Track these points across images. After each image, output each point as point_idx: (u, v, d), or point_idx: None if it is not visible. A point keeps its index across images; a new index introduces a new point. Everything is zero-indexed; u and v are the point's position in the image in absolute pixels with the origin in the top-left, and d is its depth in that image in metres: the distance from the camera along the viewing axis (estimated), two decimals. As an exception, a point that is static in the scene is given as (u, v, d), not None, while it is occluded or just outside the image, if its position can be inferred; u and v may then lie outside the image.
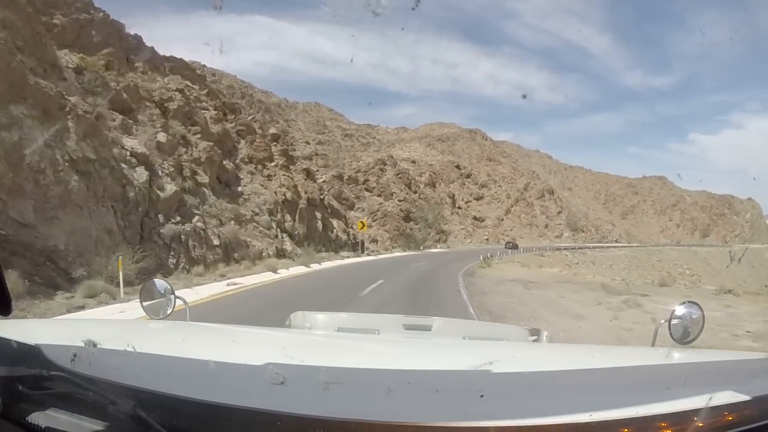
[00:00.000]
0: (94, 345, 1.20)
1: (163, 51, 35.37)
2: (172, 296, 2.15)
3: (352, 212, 65.60)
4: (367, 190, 69.68)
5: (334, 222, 35.82)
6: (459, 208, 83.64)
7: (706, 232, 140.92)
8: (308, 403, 0.96)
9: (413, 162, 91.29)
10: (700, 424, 0.91)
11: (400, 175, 76.43)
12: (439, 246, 61.92)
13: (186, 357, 1.33)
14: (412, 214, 66.66)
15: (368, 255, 35.23)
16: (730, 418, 0.95)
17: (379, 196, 68.91)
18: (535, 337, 2.37)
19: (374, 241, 59.22)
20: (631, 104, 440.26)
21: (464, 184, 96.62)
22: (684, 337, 1.89)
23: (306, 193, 30.15)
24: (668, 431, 0.93)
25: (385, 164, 78.57)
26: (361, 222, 39.21)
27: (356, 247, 36.12)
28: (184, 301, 2.21)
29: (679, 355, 1.59)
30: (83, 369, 1.08)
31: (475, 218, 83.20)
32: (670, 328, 1.92)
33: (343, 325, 2.45)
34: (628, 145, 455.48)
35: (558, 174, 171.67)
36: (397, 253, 43.33)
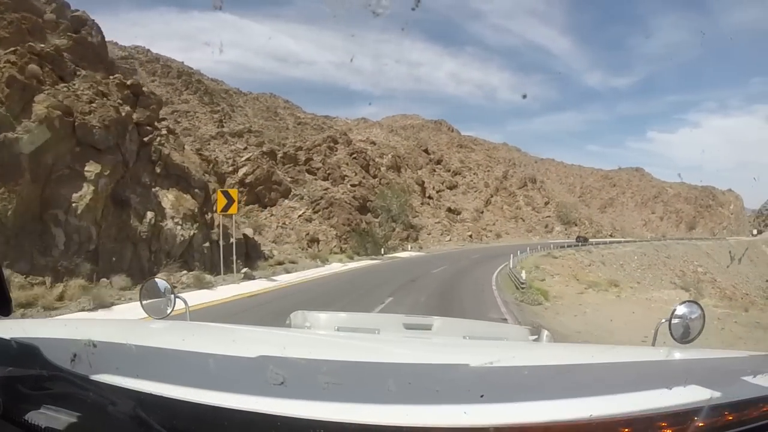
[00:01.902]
0: (94, 345, 1.17)
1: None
2: (172, 296, 2.13)
3: (286, 201, 48.19)
4: (309, 172, 52.15)
5: (167, 197, 15.55)
6: (430, 198, 66.91)
7: (692, 224, 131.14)
8: (308, 403, 0.95)
9: (373, 143, 74.18)
10: (700, 424, 0.90)
11: (355, 156, 59.19)
12: (409, 247, 44.58)
13: (186, 357, 1.32)
14: (369, 204, 49.46)
15: (261, 279, 16.18)
16: (730, 418, 0.95)
17: (326, 179, 51.50)
18: (536, 337, 2.34)
19: (314, 240, 41.74)
20: (592, 104, 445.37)
21: (434, 170, 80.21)
22: (684, 336, 1.88)
23: (75, 114, 12.13)
24: (668, 431, 0.92)
25: (336, 142, 61.15)
26: (223, 193, 16.14)
27: (240, 256, 16.81)
28: (185, 301, 2.16)
29: (679, 355, 1.57)
30: (83, 369, 1.08)
31: (450, 210, 66.69)
32: (670, 328, 1.90)
33: (343, 324, 2.43)
34: (588, 143, 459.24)
35: (528, 167, 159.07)
36: (336, 266, 24.17)
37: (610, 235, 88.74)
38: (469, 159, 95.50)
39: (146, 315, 2.13)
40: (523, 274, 15.23)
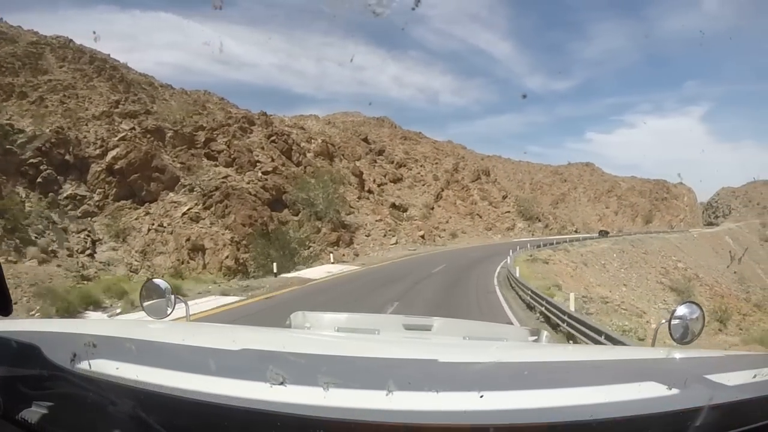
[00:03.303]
0: (94, 345, 1.18)
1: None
2: (172, 296, 2.12)
3: (171, 194, 34.84)
4: (209, 156, 38.91)
5: None
6: (370, 192, 54.70)
7: (649, 217, 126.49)
8: (308, 403, 0.95)
9: (301, 128, 61.35)
10: (700, 424, 0.91)
11: (274, 139, 46.26)
12: (331, 257, 31.23)
13: (186, 357, 1.34)
14: (286, 196, 36.75)
15: None
16: (730, 418, 0.95)
17: (229, 165, 38.35)
18: (535, 337, 2.32)
19: (197, 249, 28.78)
20: (532, 106, 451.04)
21: (375, 161, 68.14)
22: (684, 337, 1.87)
23: None
24: (668, 431, 0.93)
25: (252, 123, 48.02)
26: None
27: None
28: (185, 302, 2.19)
29: (679, 355, 1.57)
30: (83, 369, 1.08)
31: (394, 206, 54.74)
32: (670, 328, 1.89)
33: (343, 325, 2.40)
34: (529, 144, 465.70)
35: (475, 164, 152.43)
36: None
37: (575, 231, 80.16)
38: (415, 151, 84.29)
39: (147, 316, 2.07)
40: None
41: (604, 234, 67.62)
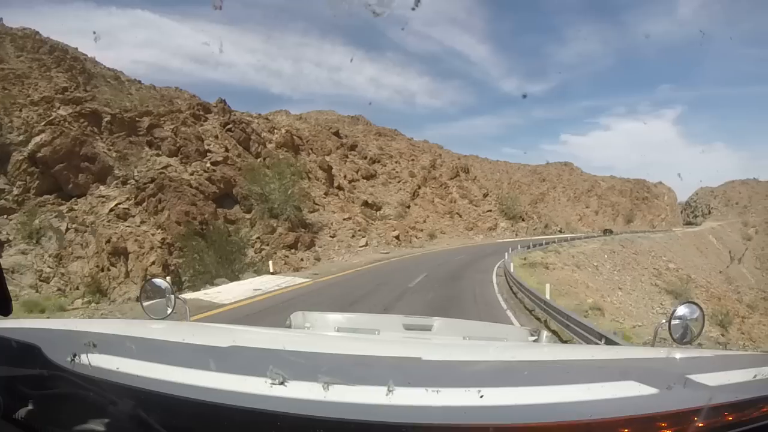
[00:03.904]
0: (94, 345, 1.17)
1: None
2: (172, 296, 2.09)
3: (102, 187, 29.41)
4: (151, 144, 33.42)
5: None
6: (340, 188, 49.67)
7: (630, 217, 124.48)
8: (308, 402, 0.96)
9: (266, 119, 56.03)
10: (700, 424, 0.90)
11: (230, 127, 40.94)
12: (271, 265, 23.56)
13: (186, 356, 1.34)
14: (236, 190, 31.54)
15: None
16: (730, 418, 0.95)
17: (174, 155, 32.98)
18: (535, 337, 2.29)
19: (118, 253, 23.45)
20: (508, 108, 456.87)
21: (347, 156, 63.06)
22: (683, 337, 1.86)
23: None
24: (668, 431, 0.92)
25: (207, 111, 42.56)
26: None
27: None
28: (184, 301, 2.13)
29: (679, 355, 1.57)
30: (83, 369, 1.08)
31: (367, 204, 49.88)
32: (670, 329, 1.87)
33: (343, 325, 2.38)
34: (505, 146, 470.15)
35: (453, 161, 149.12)
36: None
37: (560, 231, 76.43)
38: (390, 147, 79.53)
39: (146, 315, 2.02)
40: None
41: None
